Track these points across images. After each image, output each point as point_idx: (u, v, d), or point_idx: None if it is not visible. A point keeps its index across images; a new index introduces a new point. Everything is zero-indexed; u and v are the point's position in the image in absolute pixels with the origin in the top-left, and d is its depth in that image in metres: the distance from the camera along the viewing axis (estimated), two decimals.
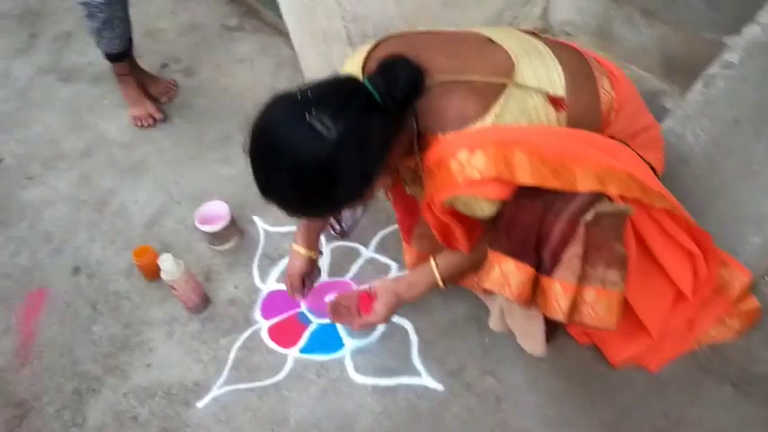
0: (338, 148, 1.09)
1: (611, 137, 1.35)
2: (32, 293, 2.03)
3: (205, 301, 1.88)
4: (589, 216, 1.15)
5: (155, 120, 2.56)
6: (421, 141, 1.25)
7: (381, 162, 1.17)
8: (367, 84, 1.14)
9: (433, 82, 1.20)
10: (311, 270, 1.75)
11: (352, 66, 1.33)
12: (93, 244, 2.14)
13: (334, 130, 1.08)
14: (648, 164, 1.38)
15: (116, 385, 1.76)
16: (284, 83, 2.53)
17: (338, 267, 1.91)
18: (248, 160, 1.17)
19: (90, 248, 2.13)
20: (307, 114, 1.09)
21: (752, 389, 1.44)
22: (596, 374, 1.53)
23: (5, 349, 1.89)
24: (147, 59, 2.78)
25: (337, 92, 1.15)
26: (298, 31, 2.23)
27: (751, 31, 1.69)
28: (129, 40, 2.45)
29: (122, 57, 2.47)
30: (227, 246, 2.02)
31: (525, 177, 1.15)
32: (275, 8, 2.29)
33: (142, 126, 2.56)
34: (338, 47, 2.01)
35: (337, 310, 1.52)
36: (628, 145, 1.36)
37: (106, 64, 2.85)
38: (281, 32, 2.49)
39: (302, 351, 1.73)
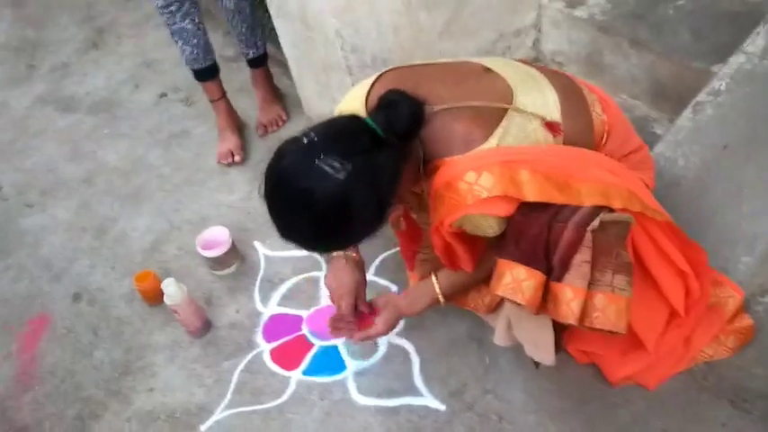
0: (350, 186, 1.13)
1: None
2: (33, 320, 2.03)
3: (207, 326, 1.89)
4: (595, 223, 1.19)
5: (233, 160, 2.38)
6: (427, 167, 1.29)
7: (393, 193, 1.21)
8: (369, 121, 1.20)
9: (435, 110, 1.25)
10: (362, 280, 1.57)
11: (354, 100, 1.37)
12: (93, 270, 2.15)
13: (344, 171, 1.13)
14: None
15: (118, 410, 1.76)
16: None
17: None
18: (265, 206, 1.21)
19: (90, 275, 2.14)
20: (316, 159, 1.13)
21: (748, 405, 1.47)
22: (595, 393, 1.55)
23: (6, 375, 1.90)
24: (146, 89, 2.82)
25: (342, 133, 1.20)
26: (296, 61, 2.28)
27: (737, 60, 1.76)
28: (213, 58, 2.33)
29: (203, 75, 2.31)
30: (227, 270, 2.04)
31: (532, 194, 1.19)
32: (273, 39, 2.34)
33: (221, 164, 2.40)
34: (337, 76, 2.06)
35: (336, 326, 1.54)
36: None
37: (103, 94, 2.85)
38: (280, 63, 2.54)
39: (305, 373, 1.75)
